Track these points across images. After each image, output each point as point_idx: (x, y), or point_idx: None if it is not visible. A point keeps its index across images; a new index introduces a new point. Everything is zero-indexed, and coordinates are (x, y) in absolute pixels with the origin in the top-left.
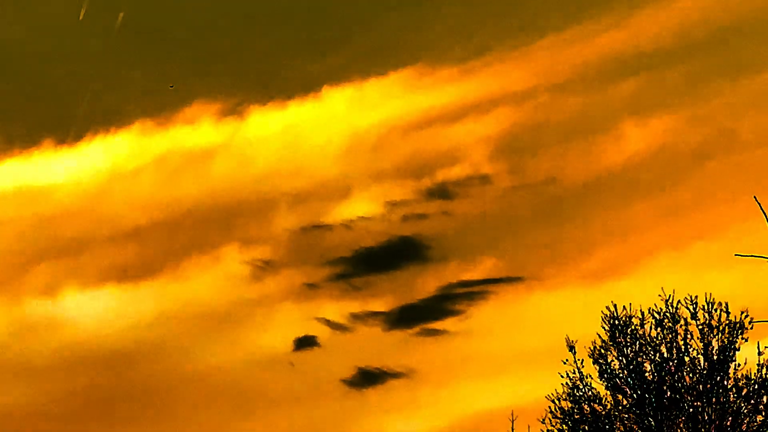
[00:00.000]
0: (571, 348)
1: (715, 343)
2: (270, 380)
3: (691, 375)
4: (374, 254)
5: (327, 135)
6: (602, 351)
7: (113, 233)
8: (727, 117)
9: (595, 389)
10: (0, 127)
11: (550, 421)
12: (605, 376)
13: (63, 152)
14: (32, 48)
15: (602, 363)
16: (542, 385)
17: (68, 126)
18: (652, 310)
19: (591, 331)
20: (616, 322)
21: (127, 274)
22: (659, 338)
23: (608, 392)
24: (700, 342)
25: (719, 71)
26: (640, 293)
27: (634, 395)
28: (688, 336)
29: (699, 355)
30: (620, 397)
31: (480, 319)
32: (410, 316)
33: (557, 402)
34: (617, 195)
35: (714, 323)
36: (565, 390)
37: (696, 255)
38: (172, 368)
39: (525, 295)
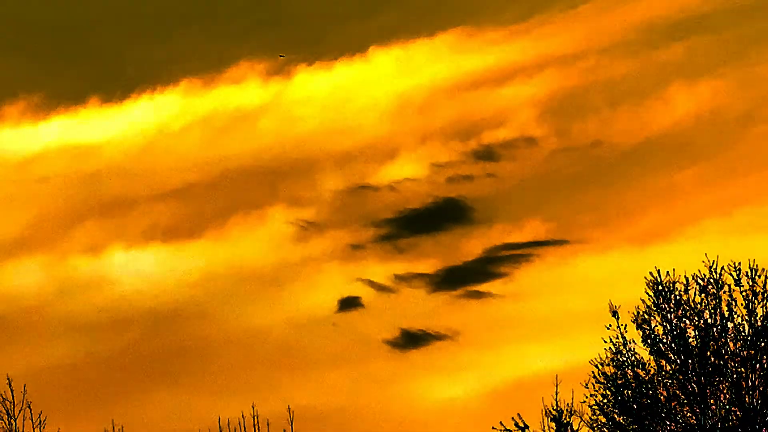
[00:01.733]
0: (614, 313)
1: (759, 310)
2: (314, 341)
3: (734, 341)
4: (419, 216)
5: (373, 96)
6: (646, 316)
7: (158, 192)
8: None
9: (639, 354)
10: (47, 84)
11: (593, 386)
12: (648, 341)
13: (109, 110)
14: (79, 7)
15: (646, 328)
16: (586, 349)
17: (115, 84)
18: (696, 276)
19: (636, 295)
20: (660, 287)
21: (171, 233)
22: (703, 304)
23: (651, 358)
24: (745, 308)
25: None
26: (686, 258)
27: (678, 361)
28: (732, 302)
29: (743, 322)
30: (663, 362)
31: (524, 282)
32: (455, 278)
33: (600, 367)
34: (664, 159)
35: (758, 289)
36: (609, 355)
37: (742, 220)
38: (216, 328)
39: (570, 259)
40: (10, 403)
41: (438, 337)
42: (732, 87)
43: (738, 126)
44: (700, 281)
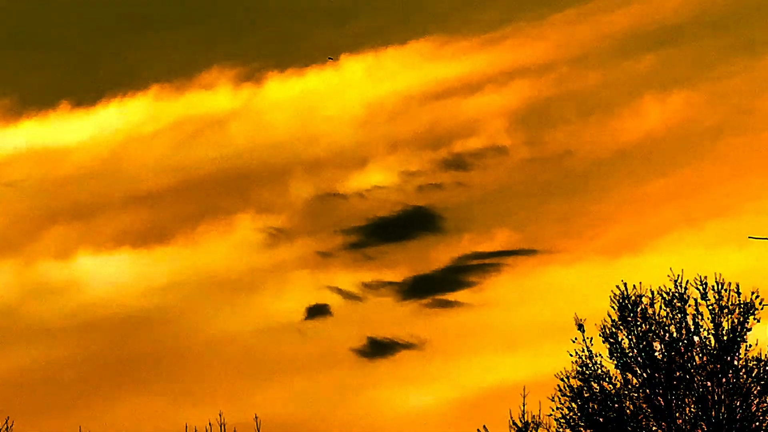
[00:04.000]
0: (580, 326)
1: (725, 324)
2: (281, 348)
3: (701, 355)
4: (388, 224)
5: (344, 103)
6: (612, 330)
7: (128, 197)
8: (745, 95)
9: (605, 368)
10: (17, 88)
11: (559, 399)
12: (615, 354)
13: (79, 115)
14: (50, 12)
15: (612, 342)
16: (554, 360)
17: (85, 89)
18: (661, 289)
19: (604, 306)
20: (626, 301)
21: (140, 238)
22: (668, 318)
23: (618, 371)
24: (711, 322)
25: (739, 48)
26: (654, 270)
27: (644, 374)
28: (698, 316)
29: (709, 335)
30: (630, 376)
31: (493, 292)
32: (423, 287)
33: (566, 380)
34: (634, 170)
35: (724, 303)
36: (575, 368)
37: (710, 234)
38: (184, 334)
39: (539, 268)
40: None
41: (405, 345)
42: (703, 99)
43: (709, 138)
44: (665, 295)
